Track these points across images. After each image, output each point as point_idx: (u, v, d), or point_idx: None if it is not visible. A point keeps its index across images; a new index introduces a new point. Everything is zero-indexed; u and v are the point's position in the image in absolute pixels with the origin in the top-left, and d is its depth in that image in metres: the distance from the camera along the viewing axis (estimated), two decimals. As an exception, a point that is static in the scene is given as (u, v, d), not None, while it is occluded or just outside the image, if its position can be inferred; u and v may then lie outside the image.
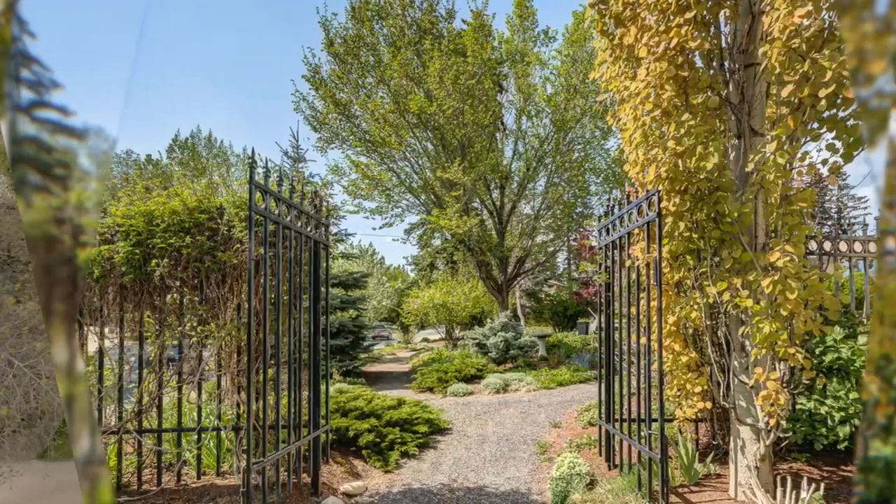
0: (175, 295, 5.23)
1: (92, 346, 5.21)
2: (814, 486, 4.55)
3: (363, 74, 16.85)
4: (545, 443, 6.94)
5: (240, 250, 5.09)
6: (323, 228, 5.63)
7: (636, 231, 5.28)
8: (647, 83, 4.97)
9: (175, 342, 5.25)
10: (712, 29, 5.09)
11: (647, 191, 4.96)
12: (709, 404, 5.08)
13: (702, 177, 4.94)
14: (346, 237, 16.65)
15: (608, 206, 5.80)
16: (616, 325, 5.89)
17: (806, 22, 4.32)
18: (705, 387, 5.16)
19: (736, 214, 4.81)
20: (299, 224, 5.12)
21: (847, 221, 6.50)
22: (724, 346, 5.08)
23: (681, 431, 5.79)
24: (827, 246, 6.25)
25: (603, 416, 6.05)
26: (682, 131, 4.77)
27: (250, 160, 4.59)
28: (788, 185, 4.78)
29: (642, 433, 4.99)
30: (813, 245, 6.23)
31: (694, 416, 5.40)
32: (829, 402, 5.19)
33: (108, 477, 0.78)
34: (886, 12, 0.71)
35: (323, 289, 5.58)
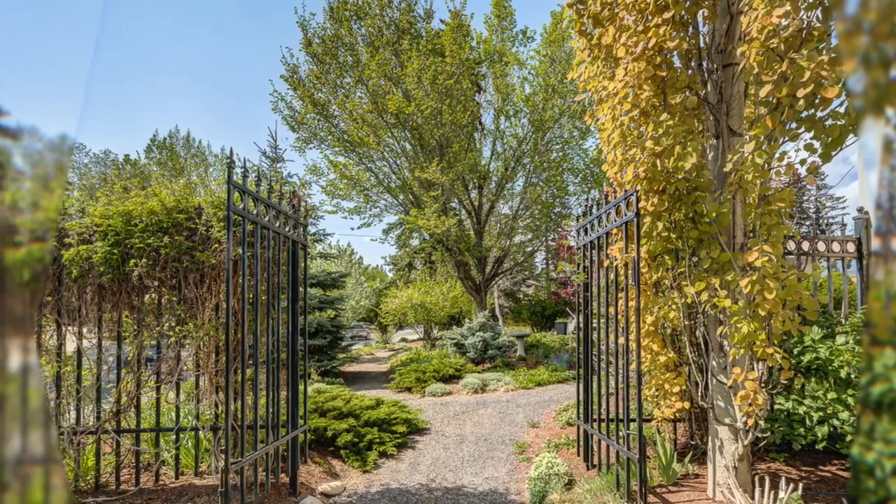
0: (153, 295, 5.15)
1: (70, 346, 5.15)
2: (792, 486, 4.50)
3: (341, 74, 16.57)
4: (523, 443, 6.82)
5: (218, 250, 5.02)
6: (301, 228, 5.56)
7: (614, 231, 5.22)
8: (625, 83, 4.91)
9: (153, 342, 5.17)
10: (690, 29, 5.03)
11: (626, 191, 4.91)
12: (687, 404, 5.02)
13: (680, 177, 4.89)
14: (324, 237, 16.36)
15: (586, 206, 5.72)
16: (594, 325, 5.80)
17: (784, 22, 4.26)
18: (683, 387, 5.10)
19: (714, 214, 4.76)
20: (277, 224, 5.05)
21: (825, 221, 6.45)
22: (703, 346, 5.01)
23: (659, 431, 5.72)
24: (805, 246, 6.17)
25: (581, 416, 5.95)
26: (661, 131, 4.71)
27: (228, 160, 4.52)
28: (766, 185, 4.72)
29: (620, 433, 4.94)
30: (791, 245, 6.15)
31: (672, 416, 5.34)
32: (807, 402, 5.13)
33: (42, 477, 0.74)
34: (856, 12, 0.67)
35: (301, 289, 5.52)
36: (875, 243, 0.69)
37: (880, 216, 0.68)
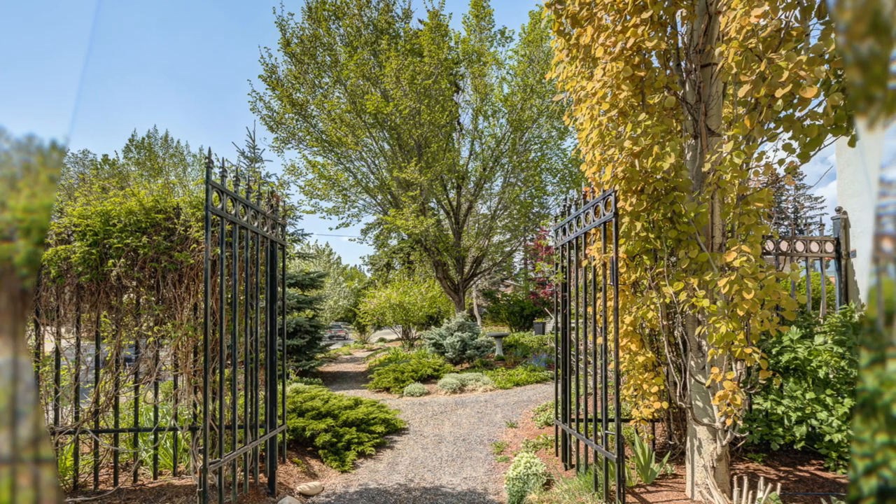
0: (132, 295, 4.87)
1: (49, 346, 4.87)
2: (770, 486, 4.24)
3: (320, 74, 15.93)
4: (502, 443, 6.49)
5: (196, 250, 4.74)
6: (279, 228, 5.27)
7: (593, 231, 4.94)
8: (603, 83, 4.64)
9: (132, 342, 4.88)
10: (669, 29, 4.75)
11: (604, 191, 4.64)
12: (665, 404, 4.74)
13: (658, 177, 4.61)
14: (302, 237, 15.69)
15: (565, 206, 5.42)
16: (573, 324, 5.51)
17: (762, 22, 4.01)
18: (662, 387, 4.82)
19: (692, 214, 4.49)
20: (256, 224, 4.78)
21: (803, 221, 6.17)
22: (681, 346, 4.74)
23: (637, 431, 5.43)
24: (784, 246, 5.88)
25: (559, 415, 5.64)
26: (639, 131, 4.44)
27: (207, 160, 4.27)
28: (745, 185, 4.45)
29: (599, 433, 4.67)
30: (769, 245, 5.86)
31: (650, 416, 5.05)
32: (785, 401, 4.85)
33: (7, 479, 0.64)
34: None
35: (279, 289, 5.24)
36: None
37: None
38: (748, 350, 4.16)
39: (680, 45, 4.84)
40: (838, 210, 6.07)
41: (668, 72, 4.79)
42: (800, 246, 5.88)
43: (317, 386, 9.50)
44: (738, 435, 4.69)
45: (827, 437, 4.72)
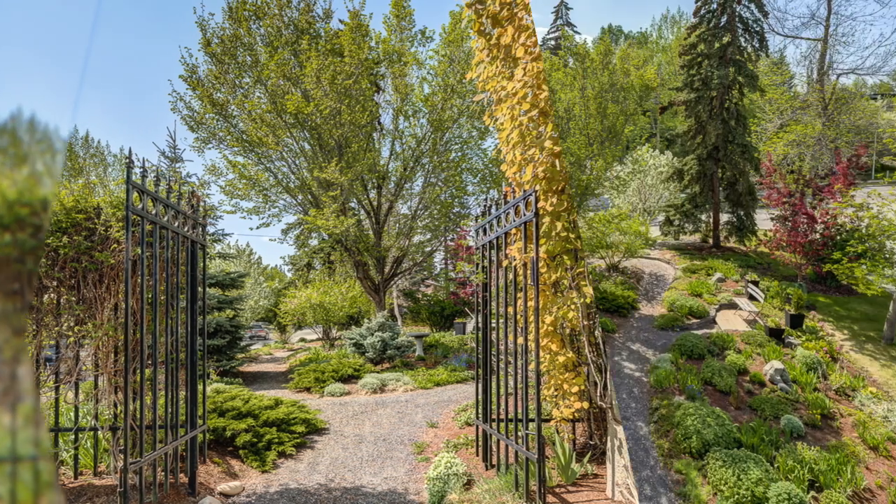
0: (52, 294, 4.57)
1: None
2: (690, 485, 4.01)
3: (240, 74, 15.18)
4: (422, 443, 6.12)
5: (117, 250, 4.46)
6: (200, 228, 4.96)
7: (513, 231, 4.67)
8: (524, 83, 4.38)
9: (52, 342, 4.60)
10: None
11: (525, 191, 4.36)
12: (586, 404, 4.49)
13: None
14: (223, 237, 15.04)
15: (485, 206, 5.10)
16: (493, 324, 5.22)
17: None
18: (582, 386, 4.57)
19: (612, 214, 4.27)
20: (176, 224, 4.49)
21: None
22: (601, 346, 4.52)
23: (558, 431, 5.14)
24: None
25: (480, 416, 5.31)
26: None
27: (128, 160, 4.01)
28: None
29: (519, 433, 4.39)
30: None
31: (571, 416, 4.79)
32: (706, 401, 4.63)
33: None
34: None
35: (200, 289, 4.94)
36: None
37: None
38: (665, 350, 3.93)
39: (600, 45, 4.61)
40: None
41: (589, 72, 4.56)
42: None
43: (237, 386, 8.94)
44: (658, 435, 4.45)
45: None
